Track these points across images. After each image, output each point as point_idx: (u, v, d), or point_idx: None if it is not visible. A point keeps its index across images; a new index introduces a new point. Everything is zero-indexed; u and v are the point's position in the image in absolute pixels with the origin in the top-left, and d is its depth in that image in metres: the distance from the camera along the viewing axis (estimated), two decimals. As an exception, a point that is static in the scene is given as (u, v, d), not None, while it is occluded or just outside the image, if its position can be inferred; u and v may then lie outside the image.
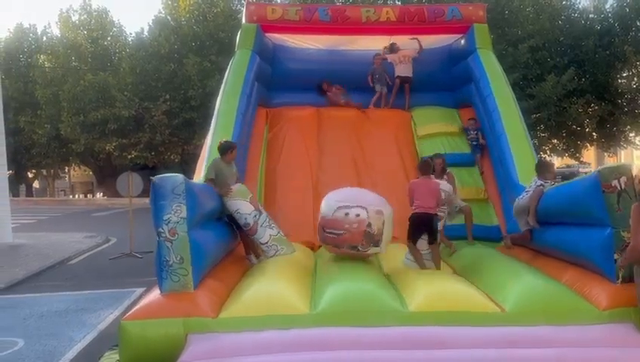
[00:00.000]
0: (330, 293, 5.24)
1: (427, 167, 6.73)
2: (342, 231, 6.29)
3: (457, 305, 4.96)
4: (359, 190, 6.99)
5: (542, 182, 6.68)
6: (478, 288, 5.51)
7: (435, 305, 4.96)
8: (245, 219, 6.70)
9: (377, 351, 4.48)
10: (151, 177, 5.30)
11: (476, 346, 4.49)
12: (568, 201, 5.79)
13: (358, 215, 6.29)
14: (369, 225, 6.26)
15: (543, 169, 6.89)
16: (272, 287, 5.44)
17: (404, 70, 10.35)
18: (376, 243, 6.40)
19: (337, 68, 10.61)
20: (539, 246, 6.65)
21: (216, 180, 6.74)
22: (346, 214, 6.31)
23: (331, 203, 6.54)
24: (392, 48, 10.48)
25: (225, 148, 6.94)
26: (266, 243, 6.74)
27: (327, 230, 6.47)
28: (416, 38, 10.43)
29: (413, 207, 6.49)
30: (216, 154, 7.10)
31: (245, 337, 4.63)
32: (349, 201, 6.43)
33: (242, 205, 6.73)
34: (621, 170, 5.07)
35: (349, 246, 6.36)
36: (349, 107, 10.48)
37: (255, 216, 6.74)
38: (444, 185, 7.05)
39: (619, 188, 4.96)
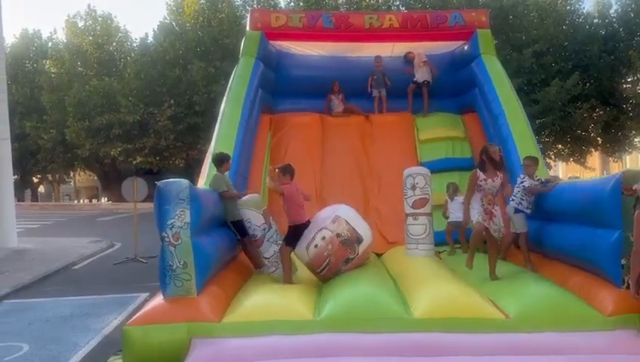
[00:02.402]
0: (334, 299, 5.25)
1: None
2: (327, 261, 6.23)
3: (462, 311, 4.94)
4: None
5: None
6: (482, 294, 5.50)
7: (439, 312, 4.95)
8: (254, 230, 6.69)
9: (381, 357, 4.48)
10: (156, 182, 5.33)
11: (481, 353, 4.49)
12: (584, 198, 5.67)
13: (324, 237, 6.24)
14: (338, 235, 6.24)
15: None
16: (275, 292, 5.45)
17: (423, 74, 10.35)
18: (359, 241, 6.38)
19: (341, 74, 10.64)
20: (543, 247, 6.61)
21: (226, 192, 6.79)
22: (316, 246, 6.24)
23: (300, 249, 6.41)
24: (408, 58, 10.51)
25: (222, 160, 6.94)
26: (269, 258, 6.68)
27: (318, 270, 6.39)
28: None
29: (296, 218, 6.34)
30: None
31: (249, 342, 4.64)
32: (308, 234, 6.36)
33: (253, 216, 6.72)
34: None
35: (343, 264, 6.31)
36: (349, 114, 10.48)
37: (264, 229, 6.70)
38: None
39: (639, 192, 4.92)
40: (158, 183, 5.22)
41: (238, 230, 6.86)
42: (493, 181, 5.93)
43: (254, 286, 5.80)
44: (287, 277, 6.23)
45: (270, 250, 6.62)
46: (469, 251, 6.29)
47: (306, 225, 6.36)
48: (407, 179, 7.34)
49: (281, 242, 6.63)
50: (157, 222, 5.13)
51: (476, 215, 5.93)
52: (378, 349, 4.55)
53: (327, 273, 6.35)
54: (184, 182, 5.27)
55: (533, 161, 6.98)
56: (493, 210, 5.93)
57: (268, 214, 6.85)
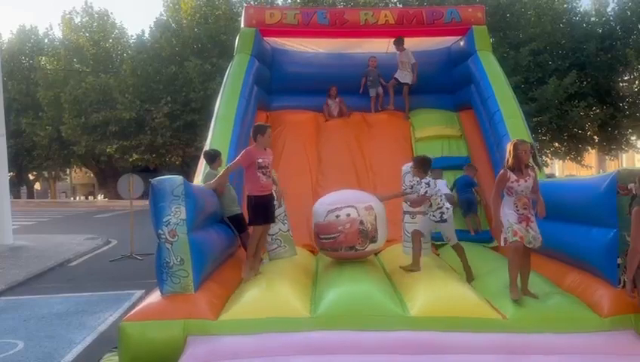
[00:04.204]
0: (330, 297, 5.24)
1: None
2: (336, 234, 6.28)
3: (459, 310, 4.93)
4: (347, 191, 6.99)
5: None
6: (479, 293, 5.49)
7: (436, 311, 4.95)
8: None
9: (377, 355, 4.47)
10: (150, 179, 5.32)
11: (477, 352, 4.48)
12: (579, 196, 5.64)
13: (348, 215, 6.29)
14: (361, 222, 6.27)
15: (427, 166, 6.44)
16: (272, 290, 5.44)
17: (401, 76, 10.29)
18: (373, 240, 6.40)
19: (336, 71, 10.60)
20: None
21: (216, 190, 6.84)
22: (337, 216, 6.31)
23: (321, 208, 6.55)
24: (399, 42, 10.42)
25: (213, 156, 7.10)
26: (273, 235, 6.85)
27: (322, 236, 6.47)
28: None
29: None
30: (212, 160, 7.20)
31: (245, 340, 4.63)
32: (338, 203, 6.44)
33: None
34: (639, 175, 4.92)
35: (346, 248, 6.35)
36: (340, 118, 10.38)
37: (274, 205, 6.85)
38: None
39: (634, 191, 4.91)
40: (152, 181, 5.22)
41: (236, 225, 6.89)
42: (526, 181, 5.22)
43: (252, 283, 5.79)
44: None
45: (276, 227, 6.79)
46: (510, 273, 5.21)
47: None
48: (406, 176, 7.29)
49: (287, 222, 6.87)
50: (153, 220, 5.12)
51: (510, 220, 5.18)
52: (374, 347, 4.54)
53: (326, 244, 6.42)
54: (178, 178, 5.27)
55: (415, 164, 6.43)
56: (530, 215, 5.25)
57: (281, 194, 6.95)
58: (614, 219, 4.96)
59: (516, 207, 5.22)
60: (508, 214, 5.22)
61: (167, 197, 5.11)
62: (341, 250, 6.39)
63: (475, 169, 8.77)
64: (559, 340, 4.63)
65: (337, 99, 10.44)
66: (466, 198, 8.34)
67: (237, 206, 7.03)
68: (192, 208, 5.28)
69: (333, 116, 10.42)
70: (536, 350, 4.53)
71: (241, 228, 6.96)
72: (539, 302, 5.11)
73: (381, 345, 4.55)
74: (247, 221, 6.60)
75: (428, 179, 6.21)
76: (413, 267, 6.14)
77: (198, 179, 7.56)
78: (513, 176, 5.22)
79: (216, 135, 8.27)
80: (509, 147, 5.31)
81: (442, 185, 8.32)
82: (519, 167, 5.22)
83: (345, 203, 6.42)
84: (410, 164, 7.22)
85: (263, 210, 6.04)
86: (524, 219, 5.20)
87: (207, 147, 8.11)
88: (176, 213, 5.10)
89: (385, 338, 4.62)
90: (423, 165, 6.30)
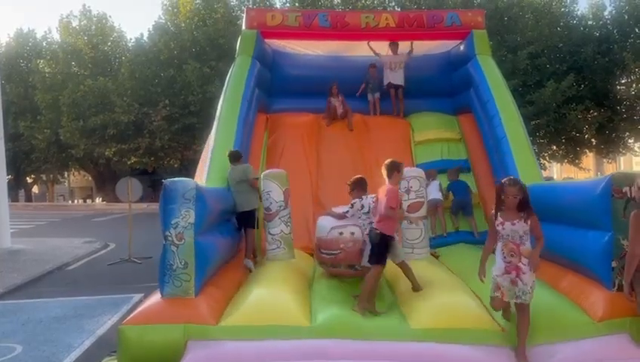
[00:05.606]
0: (331, 306, 5.23)
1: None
2: (337, 251, 6.22)
3: (458, 322, 4.91)
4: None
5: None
6: (479, 301, 5.48)
7: (435, 322, 4.93)
8: (270, 203, 6.94)
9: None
10: (163, 180, 5.32)
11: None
12: (574, 199, 5.65)
13: (352, 233, 6.22)
14: (364, 242, 6.18)
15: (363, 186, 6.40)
16: (272, 297, 5.42)
17: (394, 78, 10.33)
18: None
19: (337, 74, 10.60)
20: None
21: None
22: (341, 233, 6.25)
23: (326, 223, 6.50)
24: (396, 43, 10.45)
25: (237, 157, 7.26)
26: (274, 235, 6.92)
27: (323, 250, 6.43)
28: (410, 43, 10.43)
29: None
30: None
31: (245, 346, 4.62)
32: (343, 221, 6.39)
33: (275, 190, 6.97)
34: (634, 178, 4.97)
35: (345, 266, 6.30)
36: (343, 120, 10.32)
37: (280, 206, 6.95)
38: None
39: (628, 195, 4.90)
40: (165, 181, 5.21)
41: (250, 220, 7.05)
42: (513, 225, 4.55)
43: (252, 288, 5.76)
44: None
45: (278, 228, 6.91)
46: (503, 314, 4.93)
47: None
48: (401, 181, 7.26)
49: (290, 225, 6.93)
50: (161, 221, 5.12)
51: (496, 272, 4.66)
52: (373, 356, 4.53)
53: (326, 259, 6.39)
54: (191, 182, 5.28)
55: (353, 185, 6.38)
56: (520, 264, 4.52)
57: (288, 195, 7.02)
58: (609, 222, 4.97)
59: (503, 254, 4.60)
60: (497, 262, 4.68)
61: (178, 199, 5.12)
62: (340, 267, 6.34)
63: (457, 173, 8.88)
64: (556, 348, 4.62)
65: (340, 98, 10.39)
66: (461, 199, 8.44)
67: (257, 201, 7.12)
68: (202, 213, 5.28)
69: (337, 116, 10.32)
70: (535, 357, 4.52)
71: (251, 224, 7.06)
72: (534, 311, 4.97)
73: (381, 355, 4.54)
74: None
75: (358, 200, 6.26)
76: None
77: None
78: (499, 219, 4.63)
79: (220, 137, 8.23)
80: (496, 188, 4.79)
81: (434, 188, 8.37)
82: (500, 208, 4.64)
83: (351, 220, 6.35)
84: (410, 168, 7.21)
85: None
86: (512, 269, 4.54)
87: (210, 149, 8.11)
88: (186, 217, 5.10)
89: (385, 347, 4.62)
90: (354, 186, 6.38)
